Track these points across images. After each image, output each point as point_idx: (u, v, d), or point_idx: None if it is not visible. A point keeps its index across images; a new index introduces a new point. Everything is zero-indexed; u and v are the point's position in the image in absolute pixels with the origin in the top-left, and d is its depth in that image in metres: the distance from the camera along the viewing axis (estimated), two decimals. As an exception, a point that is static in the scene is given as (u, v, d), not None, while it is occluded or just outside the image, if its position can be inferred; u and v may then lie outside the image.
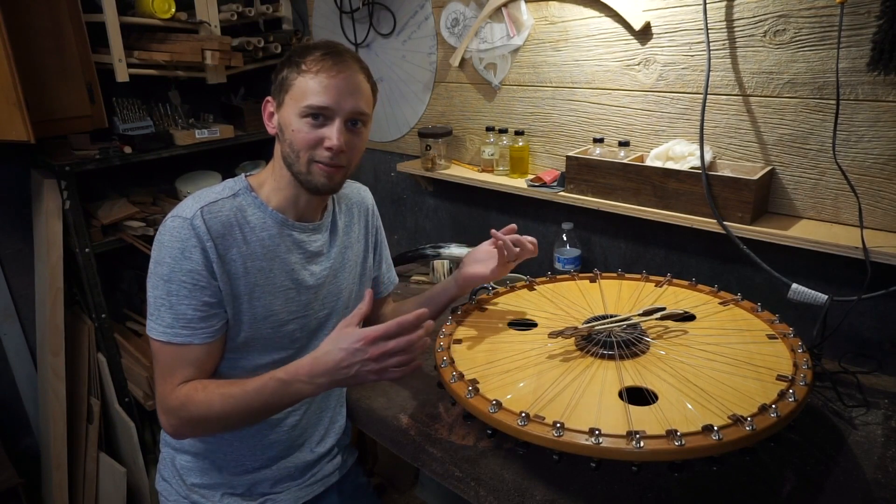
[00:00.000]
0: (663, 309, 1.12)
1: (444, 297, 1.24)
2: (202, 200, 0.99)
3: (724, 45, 1.27)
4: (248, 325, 1.02)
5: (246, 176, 1.07)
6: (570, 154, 1.48)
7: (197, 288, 0.96)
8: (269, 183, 1.05)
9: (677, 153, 1.34)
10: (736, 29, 1.24)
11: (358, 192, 1.23)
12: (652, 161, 1.37)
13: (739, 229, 1.24)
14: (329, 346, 0.91)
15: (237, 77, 2.09)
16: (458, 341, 1.13)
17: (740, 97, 1.28)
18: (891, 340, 1.21)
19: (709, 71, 1.28)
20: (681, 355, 1.02)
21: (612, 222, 1.57)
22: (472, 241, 1.87)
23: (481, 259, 1.22)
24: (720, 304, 1.19)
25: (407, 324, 0.87)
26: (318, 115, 0.97)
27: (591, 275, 1.37)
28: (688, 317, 1.15)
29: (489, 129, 1.73)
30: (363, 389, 1.24)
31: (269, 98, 1.04)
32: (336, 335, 0.91)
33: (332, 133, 0.97)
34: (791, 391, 0.88)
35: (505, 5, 1.60)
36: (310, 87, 0.96)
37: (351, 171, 1.05)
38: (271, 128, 1.04)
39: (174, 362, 0.97)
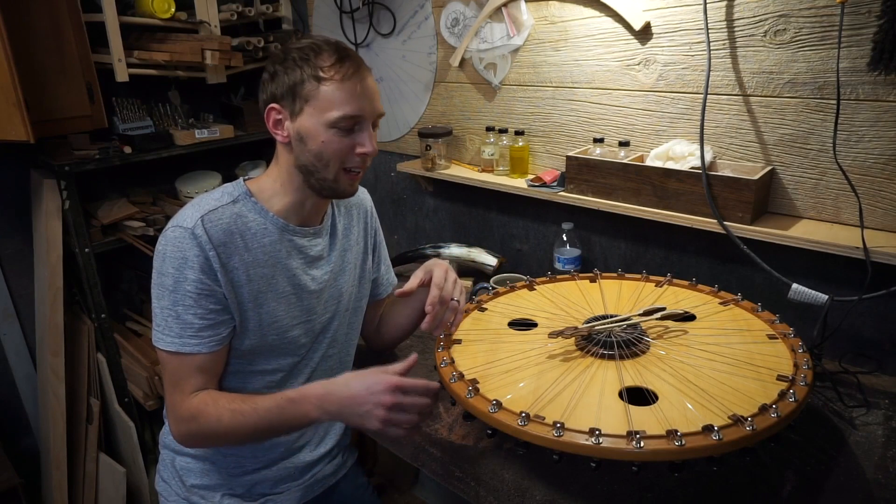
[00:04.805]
0: (663, 309, 1.12)
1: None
2: (202, 209, 0.97)
3: (724, 44, 1.27)
4: (253, 333, 1.02)
5: (244, 180, 1.06)
6: (571, 154, 1.48)
7: (202, 296, 0.95)
8: (272, 188, 1.04)
9: (677, 153, 1.34)
10: (736, 29, 1.24)
11: (356, 195, 1.22)
12: (652, 161, 1.37)
13: (739, 229, 1.24)
14: (351, 379, 0.93)
15: (237, 77, 2.09)
16: (458, 341, 1.12)
17: (741, 97, 1.28)
18: (891, 340, 1.21)
19: (709, 71, 1.27)
20: (681, 355, 1.02)
21: (612, 222, 1.57)
22: (473, 242, 1.87)
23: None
24: (720, 304, 1.19)
25: (432, 389, 0.91)
26: (350, 124, 0.97)
27: (591, 275, 1.36)
28: (688, 317, 1.15)
29: (489, 129, 1.72)
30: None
31: (274, 105, 0.98)
32: (366, 372, 0.92)
33: (365, 139, 0.98)
34: (791, 391, 0.88)
35: (505, 5, 1.60)
36: (337, 96, 0.95)
37: None
38: (282, 136, 1.00)
39: (183, 372, 0.97)
